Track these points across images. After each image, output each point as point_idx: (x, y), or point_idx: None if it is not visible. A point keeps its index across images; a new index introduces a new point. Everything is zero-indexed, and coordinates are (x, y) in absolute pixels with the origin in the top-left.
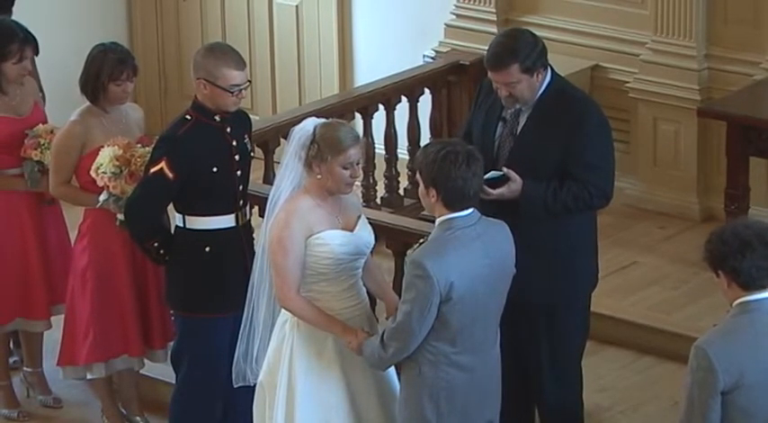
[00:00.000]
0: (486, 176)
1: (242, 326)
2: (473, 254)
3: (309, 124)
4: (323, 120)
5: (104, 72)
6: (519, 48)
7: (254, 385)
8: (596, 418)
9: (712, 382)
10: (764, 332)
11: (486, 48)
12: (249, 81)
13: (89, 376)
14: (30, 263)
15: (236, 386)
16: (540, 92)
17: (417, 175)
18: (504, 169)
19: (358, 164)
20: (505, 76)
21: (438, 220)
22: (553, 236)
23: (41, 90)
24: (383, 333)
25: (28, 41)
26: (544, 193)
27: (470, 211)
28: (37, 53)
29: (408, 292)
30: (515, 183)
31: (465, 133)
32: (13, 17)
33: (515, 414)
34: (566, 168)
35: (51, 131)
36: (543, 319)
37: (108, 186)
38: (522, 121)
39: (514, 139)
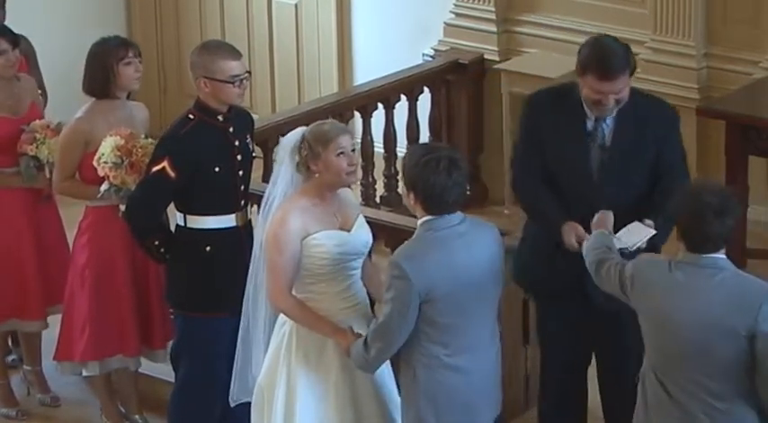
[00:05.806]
0: (638, 244)
1: (240, 331)
2: (454, 253)
3: (297, 132)
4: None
5: (111, 55)
6: (626, 51)
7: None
8: (596, 416)
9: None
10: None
11: (580, 53)
12: (248, 71)
13: (84, 373)
14: (25, 263)
15: (233, 405)
16: None
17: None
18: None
19: (353, 151)
20: (620, 84)
21: (419, 221)
22: None
23: (44, 90)
24: (367, 335)
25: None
26: (663, 227)
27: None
28: (16, 45)
29: (388, 293)
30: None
31: (535, 158)
32: (11, 18)
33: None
34: (661, 171)
35: (48, 127)
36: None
37: (109, 176)
38: (606, 129)
39: (606, 151)
